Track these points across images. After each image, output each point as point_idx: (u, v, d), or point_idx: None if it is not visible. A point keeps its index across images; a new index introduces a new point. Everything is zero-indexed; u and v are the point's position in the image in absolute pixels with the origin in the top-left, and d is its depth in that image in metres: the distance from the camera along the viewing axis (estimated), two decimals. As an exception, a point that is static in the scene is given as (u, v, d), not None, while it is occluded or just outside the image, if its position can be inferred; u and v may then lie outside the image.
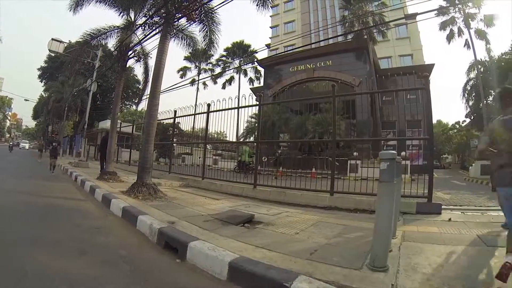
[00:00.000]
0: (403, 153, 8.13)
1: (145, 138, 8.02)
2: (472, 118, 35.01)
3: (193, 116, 11.66)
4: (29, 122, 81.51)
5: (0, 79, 75.86)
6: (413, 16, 21.42)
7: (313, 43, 31.13)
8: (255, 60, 38.35)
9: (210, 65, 45.38)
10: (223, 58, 43.60)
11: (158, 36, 8.87)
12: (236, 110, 9.79)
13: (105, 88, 37.36)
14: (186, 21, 9.56)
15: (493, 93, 28.52)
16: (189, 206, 6.16)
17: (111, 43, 12.16)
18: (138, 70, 60.57)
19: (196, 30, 10.20)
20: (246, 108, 9.67)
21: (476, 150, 3.92)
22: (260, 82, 40.36)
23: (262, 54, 46.50)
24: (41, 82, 46.86)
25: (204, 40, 10.08)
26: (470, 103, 33.36)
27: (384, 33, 27.90)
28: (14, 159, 21.78)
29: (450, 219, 5.29)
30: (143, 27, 9.79)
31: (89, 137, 26.25)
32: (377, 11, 26.73)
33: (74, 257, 3.17)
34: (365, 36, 26.70)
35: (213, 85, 46.89)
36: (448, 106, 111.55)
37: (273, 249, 3.33)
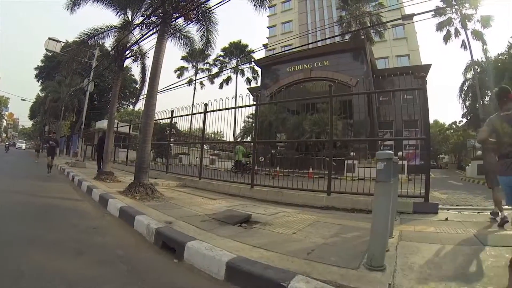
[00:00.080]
0: (400, 153, 8.17)
1: (142, 138, 8.01)
2: (468, 118, 35.17)
3: (190, 116, 11.63)
4: (25, 122, 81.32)
5: (-3, 78, 75.47)
6: (410, 16, 21.48)
7: (310, 43, 31.16)
8: (252, 60, 38.40)
9: (207, 65, 45.34)
10: (220, 58, 43.61)
11: (155, 36, 8.84)
12: (233, 110, 9.77)
13: (102, 88, 37.21)
14: (184, 21, 9.57)
15: (490, 94, 28.69)
16: (186, 206, 6.15)
17: (108, 42, 12.18)
18: (135, 70, 60.57)
19: (193, 30, 10.20)
20: (243, 108, 9.66)
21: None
22: (257, 82, 40.40)
23: (259, 54, 46.53)
24: (38, 81, 46.61)
25: (201, 40, 10.08)
26: (467, 103, 33.55)
27: (381, 33, 27.94)
28: (10, 159, 21.68)
29: (447, 219, 5.31)
30: (140, 27, 9.75)
31: (86, 137, 26.21)
32: (374, 12, 26.78)
33: (71, 257, 3.16)
34: (362, 37, 26.73)
35: (210, 85, 46.94)
36: (445, 106, 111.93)
37: (270, 249, 3.33)
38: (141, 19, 9.96)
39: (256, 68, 39.05)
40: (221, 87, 44.72)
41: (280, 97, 24.96)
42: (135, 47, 12.13)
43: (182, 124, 13.42)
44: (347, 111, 15.67)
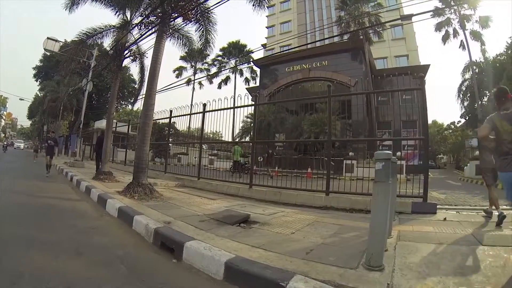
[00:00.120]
0: (398, 153, 8.18)
1: (140, 138, 8.00)
2: (467, 118, 35.22)
3: (189, 116, 11.63)
4: (24, 122, 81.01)
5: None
6: (409, 17, 21.57)
7: (309, 43, 31.24)
8: (251, 60, 38.41)
9: (206, 65, 45.28)
10: (219, 58, 43.55)
11: (154, 35, 8.84)
12: (231, 110, 9.78)
13: (100, 88, 37.15)
14: (182, 21, 9.55)
15: (488, 94, 28.74)
16: (185, 206, 6.15)
17: (107, 42, 12.13)
18: (134, 70, 60.37)
19: (192, 29, 10.22)
20: (242, 108, 9.64)
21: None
22: (256, 82, 40.39)
23: (258, 54, 46.52)
24: (36, 81, 46.51)
25: (200, 40, 10.07)
26: (465, 103, 33.57)
27: (380, 33, 27.97)
28: (8, 159, 21.65)
29: (445, 219, 5.32)
30: (139, 27, 9.73)
31: (84, 137, 26.14)
32: (373, 12, 26.80)
33: (70, 258, 3.16)
34: (361, 37, 26.76)
35: (209, 85, 46.90)
36: (444, 106, 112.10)
37: (269, 249, 3.34)
38: (140, 18, 9.95)
39: (255, 68, 39.10)
40: (219, 87, 44.73)
41: (279, 97, 25.01)
42: (134, 47, 12.15)
43: (181, 124, 13.46)
44: (346, 111, 15.72)
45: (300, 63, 28.72)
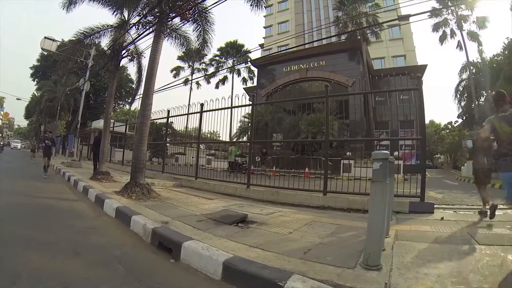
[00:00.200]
0: (396, 153, 8.20)
1: (138, 137, 7.98)
2: (464, 118, 35.35)
3: (186, 115, 11.62)
4: (21, 122, 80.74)
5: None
6: (406, 17, 21.65)
7: (306, 44, 31.25)
8: (249, 60, 38.40)
9: (204, 64, 45.22)
10: (217, 58, 43.51)
11: (151, 35, 8.83)
12: (229, 110, 9.77)
13: (98, 88, 37.12)
14: (180, 21, 9.55)
15: (485, 94, 28.87)
16: (183, 206, 6.14)
17: (105, 42, 12.10)
18: (132, 70, 60.17)
19: (189, 29, 10.19)
20: (239, 108, 9.66)
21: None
22: (253, 82, 40.41)
23: (255, 54, 46.60)
24: (34, 81, 46.45)
25: (197, 40, 10.08)
26: (462, 103, 33.74)
27: (377, 34, 28.01)
28: (5, 159, 21.54)
29: (442, 218, 5.34)
30: (136, 26, 9.74)
31: (82, 137, 26.09)
32: (370, 12, 26.85)
33: (68, 258, 3.15)
34: (359, 37, 26.81)
35: (206, 85, 46.84)
36: (441, 107, 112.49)
37: (266, 249, 3.34)
38: (137, 18, 9.95)
39: (253, 68, 39.09)
40: (217, 87, 44.70)
41: (276, 97, 24.99)
42: (132, 47, 12.12)
43: (178, 124, 13.49)
44: (343, 111, 15.70)
45: (297, 63, 28.71)
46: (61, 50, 19.12)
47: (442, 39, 28.03)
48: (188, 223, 4.49)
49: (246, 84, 43.00)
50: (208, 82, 45.27)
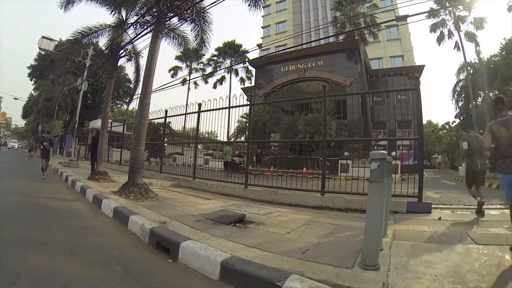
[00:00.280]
0: (393, 153, 8.21)
1: (136, 137, 7.97)
2: (461, 118, 35.44)
3: (184, 115, 11.60)
4: (18, 122, 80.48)
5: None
6: (404, 18, 21.64)
7: (304, 44, 31.27)
8: (247, 60, 38.36)
9: (201, 64, 45.02)
10: (215, 58, 43.36)
11: (149, 35, 8.81)
12: (227, 110, 9.76)
13: (96, 87, 36.96)
14: (178, 21, 9.54)
15: (482, 95, 28.95)
16: (181, 206, 6.14)
17: (102, 41, 12.07)
18: (129, 69, 60.13)
19: (187, 29, 10.17)
20: (237, 108, 9.64)
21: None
22: (251, 82, 40.37)
23: (253, 54, 46.51)
24: (31, 80, 46.19)
25: (195, 40, 10.05)
26: (460, 104, 33.81)
27: (375, 34, 28.03)
28: (2, 159, 21.43)
29: (440, 218, 5.35)
30: (134, 26, 9.71)
31: (79, 137, 26.04)
32: (368, 13, 26.87)
33: (66, 258, 3.15)
34: (357, 37, 26.82)
35: (204, 85, 46.67)
36: (438, 107, 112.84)
37: (264, 249, 3.34)
38: (135, 18, 9.92)
39: (250, 68, 39.00)
40: (215, 87, 44.56)
41: (274, 97, 24.94)
42: (129, 46, 12.08)
43: (176, 124, 13.53)
44: (341, 111, 15.72)
45: (295, 63, 28.72)
46: (59, 50, 19.08)
47: (440, 39, 28.08)
48: (186, 223, 4.49)
49: (244, 84, 42.94)
50: (206, 82, 45.21)
